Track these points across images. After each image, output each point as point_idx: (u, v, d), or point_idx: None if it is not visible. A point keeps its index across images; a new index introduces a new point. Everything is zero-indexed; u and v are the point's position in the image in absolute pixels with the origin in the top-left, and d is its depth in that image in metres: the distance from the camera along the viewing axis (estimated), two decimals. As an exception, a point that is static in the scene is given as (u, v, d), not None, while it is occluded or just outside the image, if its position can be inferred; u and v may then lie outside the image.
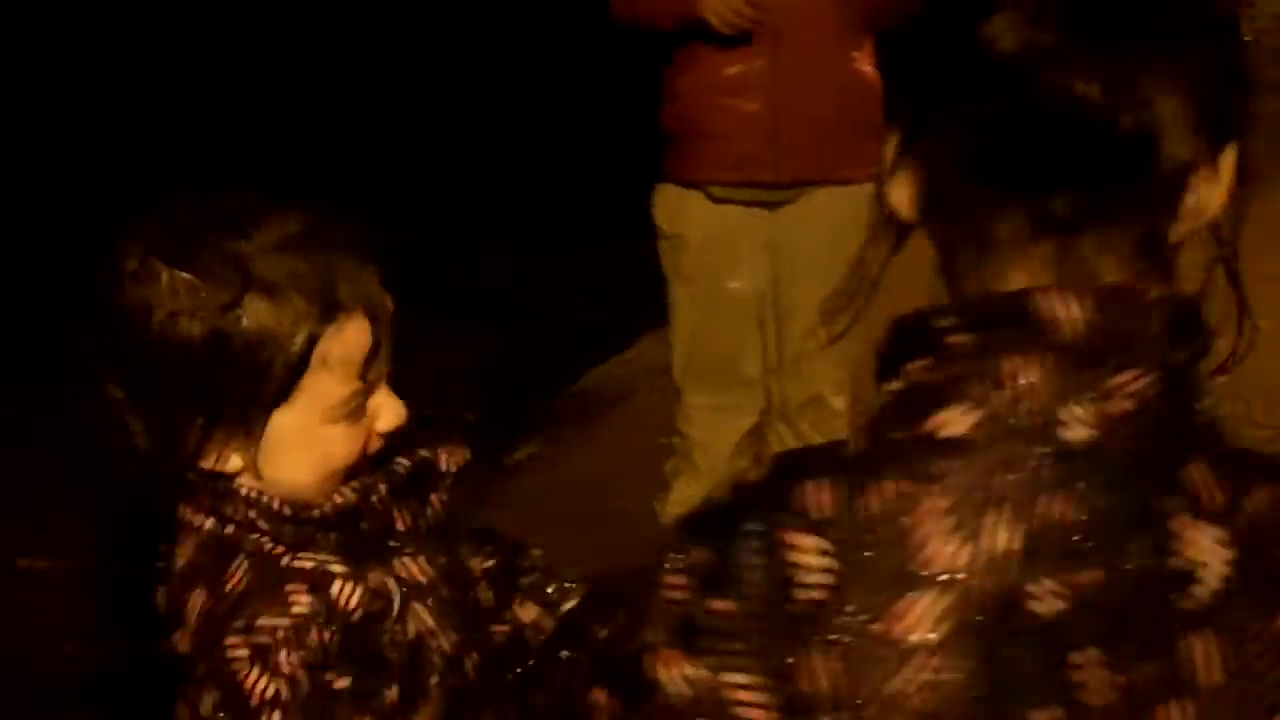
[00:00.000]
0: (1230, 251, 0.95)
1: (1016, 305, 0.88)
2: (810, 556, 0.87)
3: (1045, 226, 0.89)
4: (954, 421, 0.87)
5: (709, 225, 3.44)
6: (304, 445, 1.40)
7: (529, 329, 5.25)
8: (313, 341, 1.35)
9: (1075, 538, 0.85)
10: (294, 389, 1.37)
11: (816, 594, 0.87)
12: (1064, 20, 0.87)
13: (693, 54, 3.31)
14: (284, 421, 1.38)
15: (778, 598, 0.88)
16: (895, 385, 0.91)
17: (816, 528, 0.87)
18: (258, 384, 1.35)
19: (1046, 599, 0.84)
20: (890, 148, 0.95)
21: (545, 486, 4.31)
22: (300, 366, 1.35)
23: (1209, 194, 0.92)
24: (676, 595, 0.91)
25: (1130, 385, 0.86)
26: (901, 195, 0.95)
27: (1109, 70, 0.87)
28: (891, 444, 0.88)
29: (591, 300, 5.45)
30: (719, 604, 0.89)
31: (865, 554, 0.86)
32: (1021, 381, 0.86)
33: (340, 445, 1.41)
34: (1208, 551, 0.85)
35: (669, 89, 3.41)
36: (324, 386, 1.37)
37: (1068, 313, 0.87)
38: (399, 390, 1.45)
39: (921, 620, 0.85)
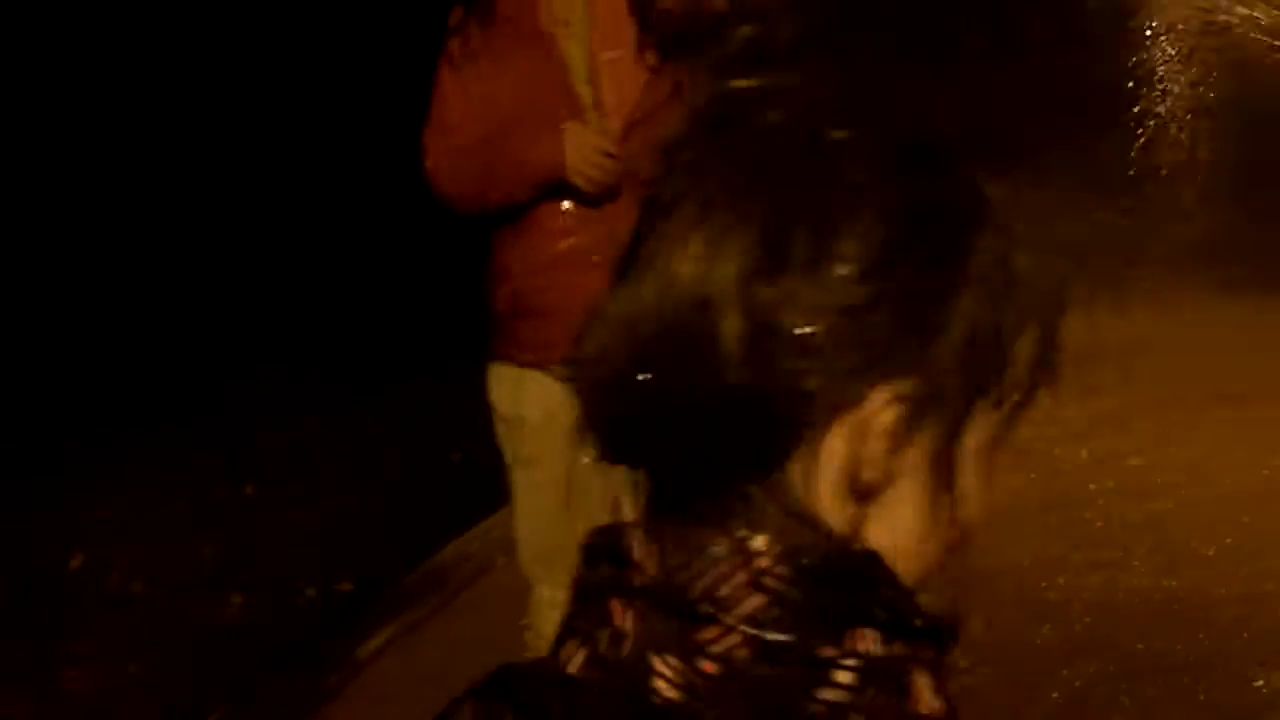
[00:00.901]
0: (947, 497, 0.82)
1: (615, 542, 0.82)
2: None
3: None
4: (572, 659, 0.82)
5: (552, 405, 3.18)
6: None
7: (381, 495, 4.80)
8: None
9: None
10: None
11: None
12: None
13: (524, 230, 3.18)
14: None
15: None
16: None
17: None
18: None
19: None
20: None
21: (401, 681, 3.94)
22: None
23: (843, 441, 0.79)
24: None
25: (714, 644, 0.77)
26: None
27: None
28: (535, 671, 0.85)
29: (448, 465, 5.07)
30: None
31: None
32: (617, 624, 0.80)
33: None
34: None
35: (499, 269, 3.24)
36: None
37: (644, 556, 0.80)
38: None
39: None
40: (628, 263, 0.81)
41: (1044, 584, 4.35)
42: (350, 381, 5.51)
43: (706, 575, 0.78)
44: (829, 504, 0.80)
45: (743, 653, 0.77)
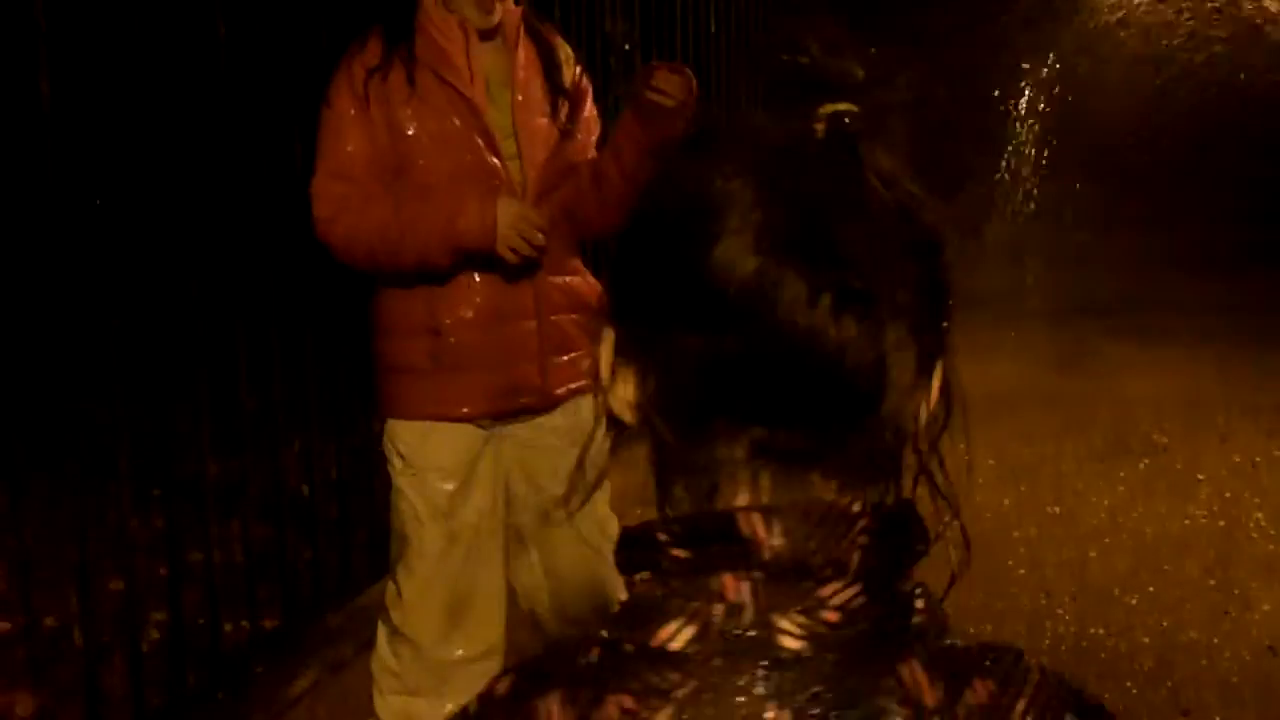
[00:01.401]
0: (933, 460, 0.96)
1: (726, 524, 0.89)
2: None
3: (767, 455, 0.90)
4: (676, 636, 0.88)
5: (471, 453, 3.22)
6: None
7: (307, 531, 4.71)
8: None
9: None
10: None
11: None
12: (789, 249, 0.87)
13: (454, 285, 3.15)
14: None
15: None
16: (623, 596, 0.93)
17: None
18: None
19: None
20: (607, 348, 0.96)
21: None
22: None
23: (921, 410, 0.93)
24: None
25: (835, 597, 0.88)
26: (621, 398, 0.95)
27: (839, 302, 0.87)
28: (622, 656, 0.89)
29: (375, 501, 4.97)
30: None
31: None
32: (733, 598, 0.88)
33: None
34: None
35: (415, 323, 3.19)
36: None
37: (768, 533, 0.88)
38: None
39: None
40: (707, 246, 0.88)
41: (971, 630, 4.37)
42: (277, 416, 5.44)
43: (825, 543, 0.88)
44: (906, 457, 0.94)
45: (859, 600, 0.88)
